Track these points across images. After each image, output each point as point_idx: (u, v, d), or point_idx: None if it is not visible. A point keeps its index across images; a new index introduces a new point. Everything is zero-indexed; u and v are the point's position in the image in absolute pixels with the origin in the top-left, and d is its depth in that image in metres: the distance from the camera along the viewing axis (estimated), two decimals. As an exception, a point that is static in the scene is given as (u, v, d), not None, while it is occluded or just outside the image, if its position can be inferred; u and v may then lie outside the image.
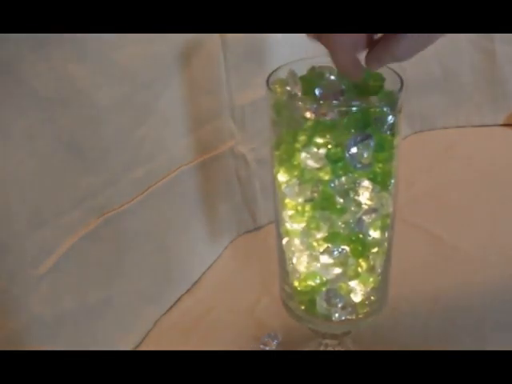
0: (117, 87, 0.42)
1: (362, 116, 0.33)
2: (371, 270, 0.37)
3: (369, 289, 0.37)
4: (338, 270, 0.36)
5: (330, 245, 0.35)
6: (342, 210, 0.34)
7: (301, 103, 0.34)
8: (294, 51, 0.52)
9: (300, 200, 0.35)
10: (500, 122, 0.77)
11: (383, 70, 0.36)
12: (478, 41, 0.72)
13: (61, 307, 0.41)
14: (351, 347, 0.45)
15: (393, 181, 0.36)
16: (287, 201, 0.36)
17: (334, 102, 0.33)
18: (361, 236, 0.35)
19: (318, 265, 0.36)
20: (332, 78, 0.34)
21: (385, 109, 0.33)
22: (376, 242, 0.36)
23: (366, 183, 0.34)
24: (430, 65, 0.73)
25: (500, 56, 0.73)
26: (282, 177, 0.36)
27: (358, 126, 0.32)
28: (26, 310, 0.39)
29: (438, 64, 0.74)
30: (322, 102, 0.34)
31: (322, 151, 0.33)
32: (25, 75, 0.36)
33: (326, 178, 0.34)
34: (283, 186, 0.36)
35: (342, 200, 0.34)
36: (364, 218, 0.34)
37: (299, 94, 0.34)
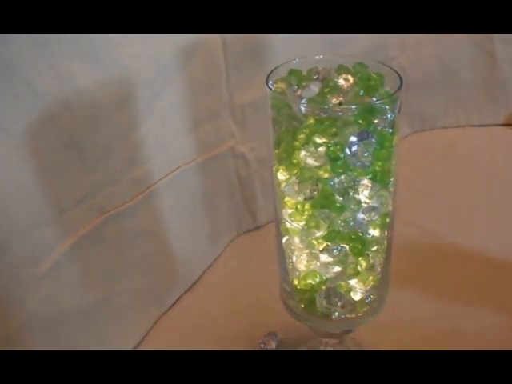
0: (117, 87, 0.42)
1: (362, 115, 0.33)
2: (371, 268, 0.37)
3: (368, 287, 0.37)
4: (337, 269, 0.36)
5: (329, 243, 0.35)
6: (342, 209, 0.34)
7: (301, 102, 0.34)
8: (294, 51, 0.53)
9: (299, 198, 0.35)
10: (500, 121, 0.77)
11: (383, 70, 0.36)
12: (478, 41, 0.72)
13: (61, 307, 0.41)
14: (351, 347, 0.45)
15: (392, 179, 0.36)
16: (287, 199, 0.36)
17: (335, 100, 0.33)
18: (360, 234, 0.35)
19: (318, 263, 0.36)
20: (340, 81, 0.34)
21: (384, 107, 0.33)
22: (375, 241, 0.36)
23: (366, 181, 0.34)
24: (430, 65, 0.73)
25: (500, 56, 0.73)
26: (281, 175, 0.36)
27: (358, 125, 0.32)
28: (26, 309, 0.39)
29: (438, 64, 0.74)
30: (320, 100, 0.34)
31: (322, 149, 0.33)
32: (25, 74, 0.36)
33: (326, 176, 0.34)
34: (283, 185, 0.36)
35: (341, 198, 0.34)
36: (363, 216, 0.34)
37: (317, 90, 0.34)
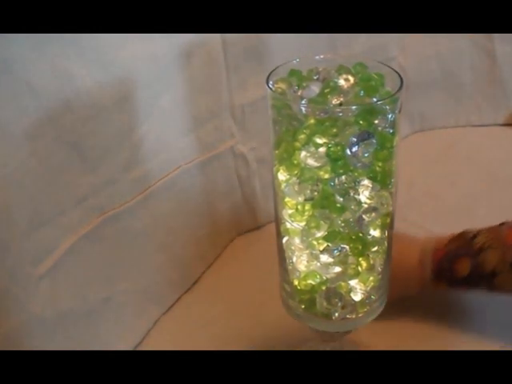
0: (117, 87, 0.42)
1: (362, 115, 0.33)
2: (371, 268, 0.37)
3: (369, 288, 0.37)
4: (337, 269, 0.36)
5: (329, 244, 0.35)
6: (342, 209, 0.34)
7: (301, 103, 0.34)
8: (294, 51, 0.53)
9: (300, 199, 0.35)
10: (500, 121, 0.77)
11: (383, 70, 0.36)
12: (478, 41, 0.73)
13: (61, 307, 0.41)
14: (351, 347, 0.45)
15: (393, 180, 0.36)
16: (287, 199, 0.36)
17: (336, 101, 0.33)
18: (361, 235, 0.35)
19: (318, 263, 0.36)
20: (341, 81, 0.34)
21: (385, 107, 0.33)
22: (376, 241, 0.36)
23: (366, 182, 0.34)
24: (430, 65, 0.73)
25: (500, 56, 0.73)
26: (281, 175, 0.36)
27: (359, 125, 0.32)
28: (25, 309, 0.39)
29: (438, 64, 0.74)
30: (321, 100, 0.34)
31: (322, 150, 0.33)
32: (25, 74, 0.36)
33: (326, 176, 0.34)
34: (283, 185, 0.36)
35: (341, 199, 0.34)
36: (364, 216, 0.34)
37: (317, 90, 0.34)
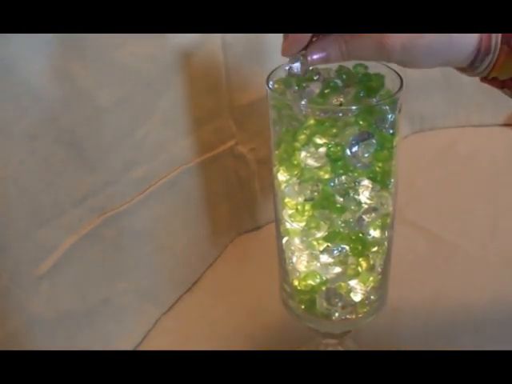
0: (117, 87, 0.42)
1: (362, 115, 0.33)
2: (371, 269, 0.37)
3: (369, 288, 0.37)
4: (337, 269, 0.36)
5: (329, 244, 0.35)
6: (342, 209, 0.34)
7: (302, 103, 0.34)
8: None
9: (300, 199, 0.35)
10: (500, 122, 0.77)
11: (383, 70, 0.36)
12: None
13: (61, 307, 0.41)
14: (351, 347, 0.45)
15: (393, 180, 0.36)
16: (287, 200, 0.36)
17: (335, 101, 0.33)
18: (361, 235, 0.35)
19: (318, 264, 0.36)
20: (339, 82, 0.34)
21: (385, 108, 0.33)
22: (376, 241, 0.36)
23: (366, 182, 0.34)
24: (430, 65, 0.73)
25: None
26: (281, 176, 0.36)
27: (359, 125, 0.32)
28: (26, 309, 0.39)
29: (438, 64, 0.74)
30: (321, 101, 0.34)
31: (322, 150, 0.33)
32: (25, 74, 0.36)
33: (326, 176, 0.34)
34: (283, 185, 0.36)
35: (341, 199, 0.34)
36: (364, 217, 0.34)
37: (317, 90, 0.34)
